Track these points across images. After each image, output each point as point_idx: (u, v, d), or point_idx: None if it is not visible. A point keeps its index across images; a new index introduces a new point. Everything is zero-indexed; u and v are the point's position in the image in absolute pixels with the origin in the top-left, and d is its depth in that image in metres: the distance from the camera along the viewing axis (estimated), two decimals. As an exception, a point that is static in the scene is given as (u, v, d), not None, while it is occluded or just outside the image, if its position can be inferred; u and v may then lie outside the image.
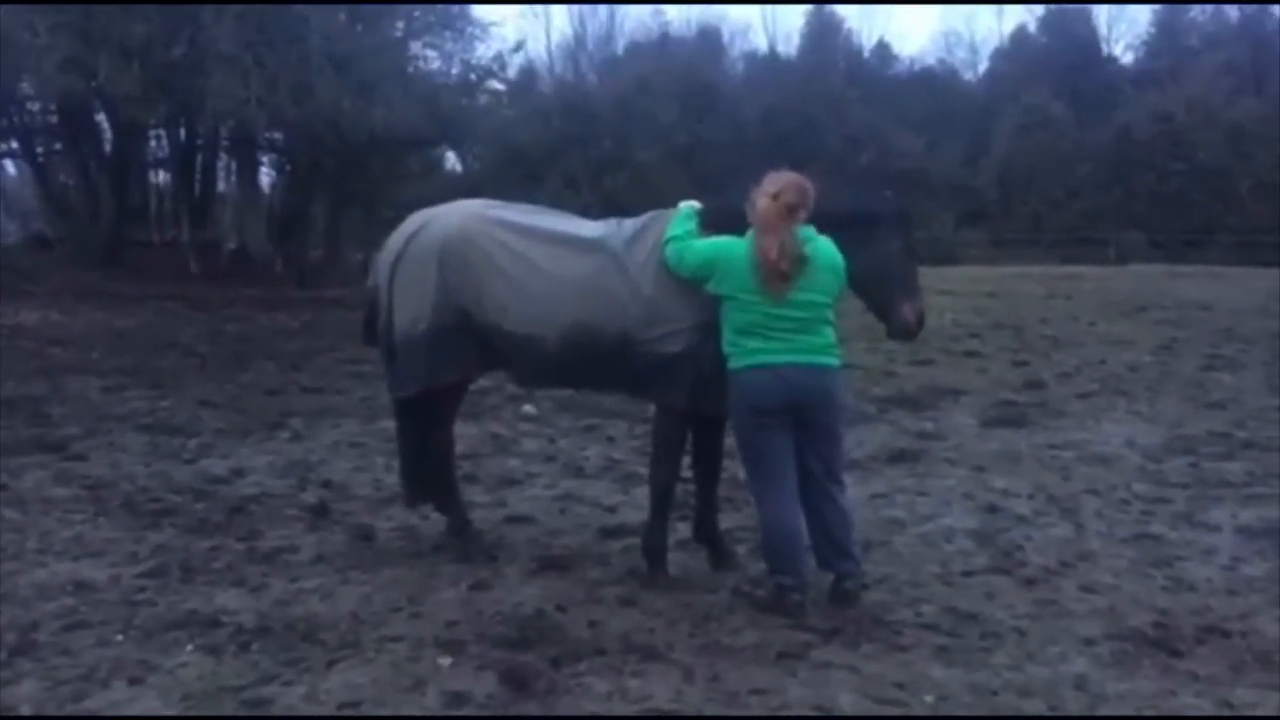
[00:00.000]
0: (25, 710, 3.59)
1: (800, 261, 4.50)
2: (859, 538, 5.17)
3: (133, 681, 3.81)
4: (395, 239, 5.34)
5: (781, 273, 4.47)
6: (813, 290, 4.54)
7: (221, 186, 26.24)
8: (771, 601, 4.55)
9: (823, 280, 4.56)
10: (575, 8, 60.24)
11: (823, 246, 4.59)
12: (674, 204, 5.11)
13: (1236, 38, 46.76)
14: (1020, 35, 53.59)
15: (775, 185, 4.59)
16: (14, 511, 5.87)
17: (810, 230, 4.59)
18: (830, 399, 4.61)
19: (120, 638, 4.20)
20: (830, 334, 4.61)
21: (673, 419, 4.95)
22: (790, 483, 4.60)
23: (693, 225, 4.83)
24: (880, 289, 4.89)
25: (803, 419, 4.56)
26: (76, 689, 3.75)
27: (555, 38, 60.31)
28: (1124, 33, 57.15)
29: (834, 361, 4.61)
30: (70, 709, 3.61)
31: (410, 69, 20.97)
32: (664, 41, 56.22)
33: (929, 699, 3.77)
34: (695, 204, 4.97)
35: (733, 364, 4.59)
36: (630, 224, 5.09)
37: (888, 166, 40.47)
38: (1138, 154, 38.86)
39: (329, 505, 6.16)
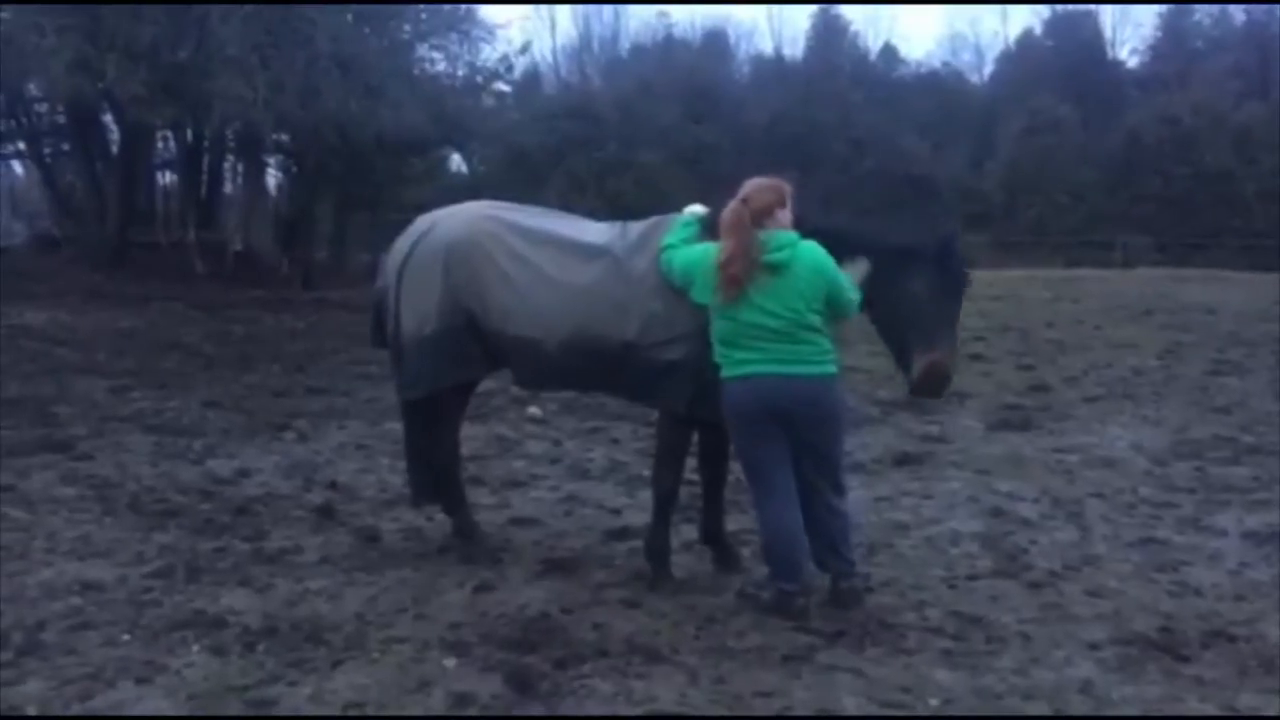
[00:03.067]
0: (31, 710, 3.60)
1: (763, 267, 4.42)
2: (863, 540, 5.17)
3: (139, 681, 3.82)
4: (403, 241, 5.34)
5: (731, 276, 4.40)
6: (789, 297, 4.44)
7: (228, 188, 26.35)
8: (775, 605, 4.55)
9: (802, 286, 4.44)
10: (580, 11, 60.16)
11: (804, 251, 4.48)
12: (678, 207, 5.12)
13: (1242, 41, 46.73)
14: (1026, 39, 53.57)
15: (746, 190, 4.56)
16: (21, 511, 5.88)
17: (791, 235, 4.51)
18: (816, 408, 4.51)
19: (126, 637, 4.21)
20: (819, 340, 4.49)
21: (675, 424, 4.96)
22: (788, 488, 4.57)
23: (690, 233, 4.79)
24: (892, 333, 4.76)
25: (792, 427, 4.52)
26: (83, 688, 3.76)
27: (560, 40, 60.37)
28: (1130, 36, 57.05)
29: (820, 370, 4.49)
30: (76, 709, 3.62)
31: (416, 71, 21.02)
32: (668, 44, 56.24)
33: (934, 702, 3.78)
34: (700, 209, 4.94)
35: (722, 374, 4.58)
36: (635, 229, 5.08)
37: (893, 169, 40.46)
38: (1144, 157, 38.78)
39: (335, 506, 6.17)
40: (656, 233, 4.95)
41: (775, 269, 4.44)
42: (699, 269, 4.57)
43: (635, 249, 4.95)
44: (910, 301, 4.63)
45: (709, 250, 4.57)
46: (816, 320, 4.49)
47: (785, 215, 4.53)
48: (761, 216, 4.48)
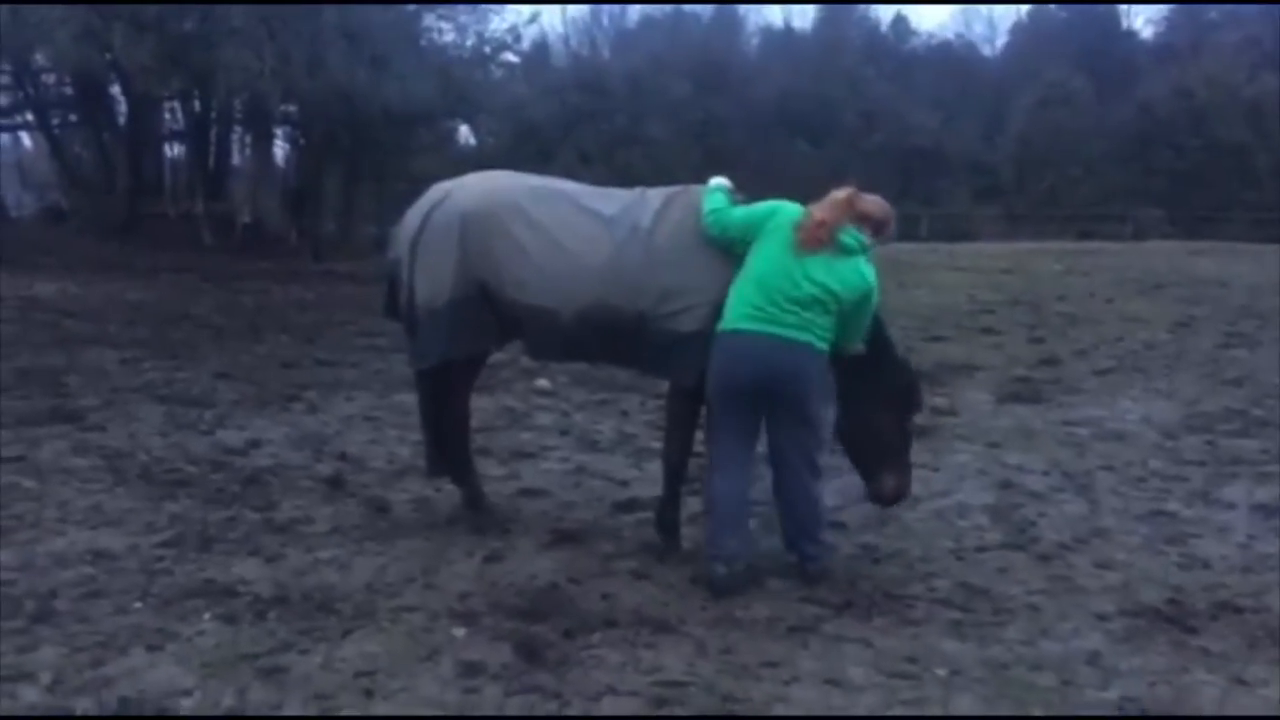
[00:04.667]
0: (45, 676, 3.63)
1: (835, 244, 4.53)
2: (870, 511, 5.17)
3: (150, 649, 3.84)
4: (417, 211, 5.27)
5: (816, 235, 4.52)
6: (832, 278, 4.49)
7: (236, 159, 26.31)
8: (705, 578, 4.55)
9: (846, 278, 4.51)
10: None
11: (867, 264, 4.62)
12: (686, 181, 5.11)
13: (1257, 14, 46.14)
14: (1039, 10, 53.09)
15: (866, 195, 4.74)
16: (32, 481, 5.90)
17: (865, 241, 4.62)
18: (799, 377, 4.49)
19: (138, 606, 4.23)
20: (825, 320, 4.51)
21: (685, 396, 4.94)
22: (744, 463, 4.62)
23: (725, 201, 4.83)
24: (864, 451, 4.93)
25: (772, 395, 4.50)
26: (95, 656, 3.78)
27: (569, 11, 60.02)
28: (1144, 8, 56.57)
29: (810, 339, 4.49)
30: (89, 675, 3.65)
31: (424, 41, 20.93)
32: (678, 16, 55.82)
33: (941, 673, 3.79)
34: (725, 180, 4.97)
35: (720, 326, 4.58)
36: (654, 198, 5.03)
37: (904, 142, 40.28)
38: (1157, 130, 38.51)
39: (344, 477, 6.18)
40: (678, 202, 4.94)
41: (841, 249, 4.54)
42: (774, 218, 4.65)
43: (656, 218, 4.91)
44: (890, 428, 4.88)
45: (793, 207, 4.68)
46: (834, 308, 4.52)
47: (870, 229, 4.67)
48: (861, 218, 4.63)
